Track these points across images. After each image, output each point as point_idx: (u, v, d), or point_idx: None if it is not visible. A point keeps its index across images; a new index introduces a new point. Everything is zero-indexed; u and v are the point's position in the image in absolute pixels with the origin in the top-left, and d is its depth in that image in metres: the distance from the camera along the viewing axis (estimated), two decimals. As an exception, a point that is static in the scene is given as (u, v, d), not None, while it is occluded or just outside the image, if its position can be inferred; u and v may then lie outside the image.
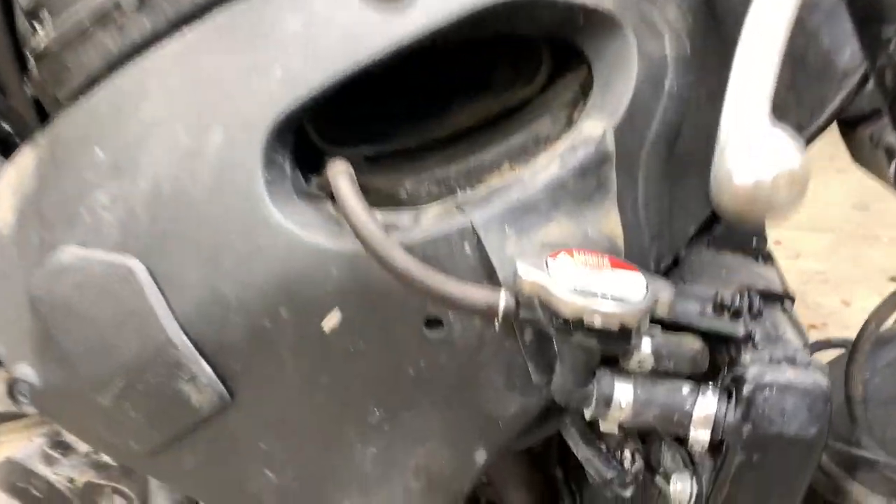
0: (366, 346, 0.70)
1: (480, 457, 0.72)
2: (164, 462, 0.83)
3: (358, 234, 0.63)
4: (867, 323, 0.94)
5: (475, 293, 0.63)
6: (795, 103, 0.78)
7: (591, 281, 0.61)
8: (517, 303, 0.63)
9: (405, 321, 0.68)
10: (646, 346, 0.64)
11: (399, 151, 0.79)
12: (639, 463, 0.72)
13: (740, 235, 0.76)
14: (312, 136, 0.75)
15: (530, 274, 0.61)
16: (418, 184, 0.73)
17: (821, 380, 0.63)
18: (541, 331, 0.68)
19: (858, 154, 0.91)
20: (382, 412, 0.73)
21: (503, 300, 0.63)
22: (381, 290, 0.68)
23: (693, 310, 0.67)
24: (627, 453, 0.73)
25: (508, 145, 0.72)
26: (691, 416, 0.64)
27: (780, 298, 0.72)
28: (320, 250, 0.68)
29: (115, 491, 1.00)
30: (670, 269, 0.74)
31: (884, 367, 1.04)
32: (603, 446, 0.72)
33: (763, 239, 0.76)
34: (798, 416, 0.62)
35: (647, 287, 0.62)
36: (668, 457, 0.73)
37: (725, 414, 0.63)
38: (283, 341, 0.72)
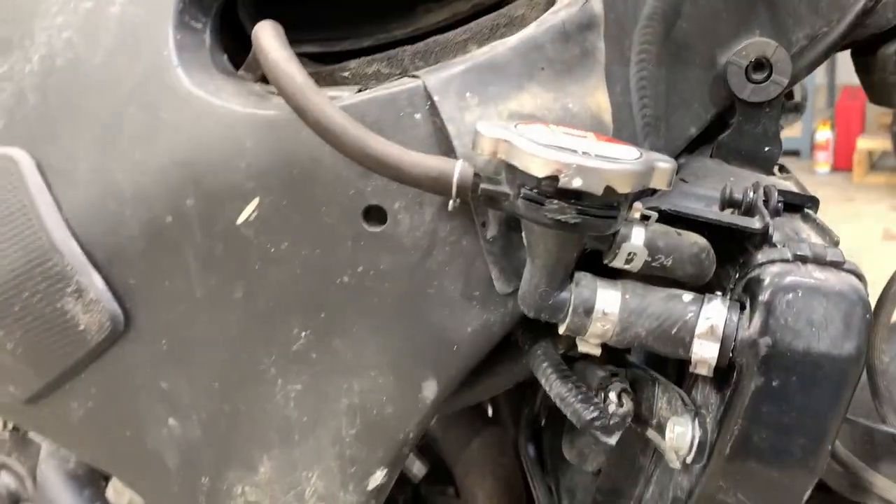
0: (289, 247, 0.56)
1: (430, 390, 0.57)
2: (48, 411, 0.68)
3: (278, 84, 0.50)
4: (890, 282, 0.81)
5: (424, 160, 0.50)
6: (809, 11, 0.67)
7: (570, 142, 0.49)
8: (476, 174, 0.50)
9: (339, 211, 0.55)
10: (637, 236, 0.51)
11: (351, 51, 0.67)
12: (627, 405, 0.58)
13: (751, 144, 0.64)
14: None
15: (493, 130, 0.48)
16: (366, 64, 0.61)
17: (857, 284, 0.50)
18: (507, 223, 0.54)
19: (880, 88, 0.79)
20: (309, 336, 0.58)
21: (458, 168, 0.50)
22: (309, 168, 0.54)
23: (697, 207, 0.55)
24: (613, 395, 0.59)
25: (477, 25, 0.60)
26: (694, 328, 0.50)
27: (800, 205, 0.59)
28: (235, 118, 0.55)
29: (3, 467, 0.84)
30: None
31: (904, 348, 0.91)
32: (582, 385, 0.57)
33: (776, 149, 0.64)
34: (830, 328, 0.49)
35: (640, 154, 0.49)
36: (662, 402, 0.59)
37: (738, 326, 0.50)
38: (188, 242, 0.58)
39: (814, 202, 0.59)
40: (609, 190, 0.46)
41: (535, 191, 0.47)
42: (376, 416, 0.58)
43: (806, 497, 0.54)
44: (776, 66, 0.60)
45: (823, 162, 4.70)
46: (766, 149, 0.63)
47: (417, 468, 0.83)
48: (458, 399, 0.65)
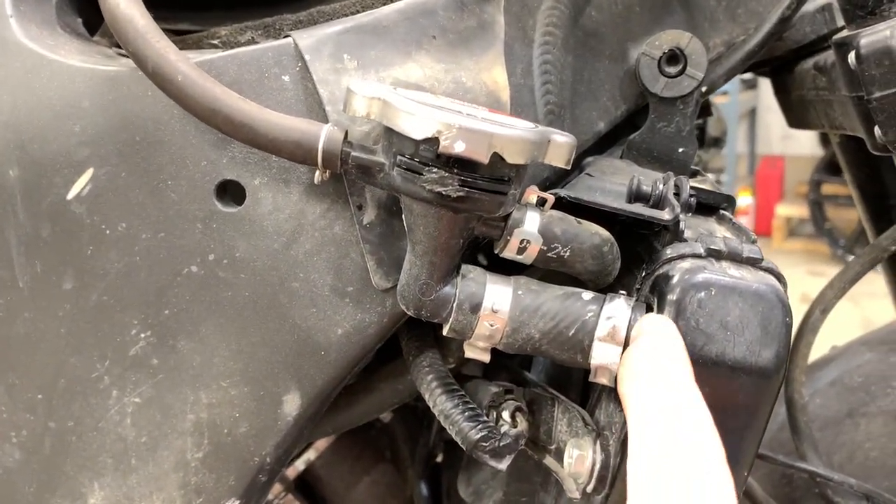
0: (128, 229, 0.48)
1: (292, 405, 0.48)
2: None
3: (114, 26, 0.42)
4: (811, 310, 0.77)
5: (284, 121, 0.42)
6: (726, 18, 0.63)
7: (455, 105, 0.42)
8: (347, 141, 0.43)
9: (188, 187, 0.47)
10: (531, 221, 0.44)
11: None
12: (521, 425, 0.50)
13: (664, 144, 0.58)
14: None
15: (367, 88, 0.41)
16: (239, 32, 0.53)
17: (776, 284, 0.44)
18: (387, 208, 0.47)
19: (798, 106, 0.76)
20: (150, 337, 0.49)
21: (325, 132, 0.42)
22: (153, 134, 0.46)
23: (601, 199, 0.48)
24: (506, 415, 0.51)
25: (368, -2, 0.54)
26: (594, 330, 0.43)
27: (715, 205, 0.53)
28: (70, 73, 0.47)
29: None
30: (571, 171, 0.55)
31: (826, 388, 0.87)
32: (471, 403, 0.50)
33: (691, 150, 0.59)
34: (747, 332, 0.43)
35: (535, 126, 0.43)
36: (562, 424, 0.51)
37: (644, 328, 0.43)
38: (9, 220, 0.49)
39: (730, 202, 0.53)
40: (496, 158, 0.39)
41: (413, 157, 0.40)
42: (227, 436, 0.49)
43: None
44: (691, 58, 0.56)
45: (744, 227, 4.82)
46: (681, 150, 0.58)
47: (296, 510, 0.73)
48: (334, 420, 0.57)
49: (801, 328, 0.78)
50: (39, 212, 0.48)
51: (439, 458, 0.78)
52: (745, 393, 0.43)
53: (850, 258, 0.77)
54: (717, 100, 4.69)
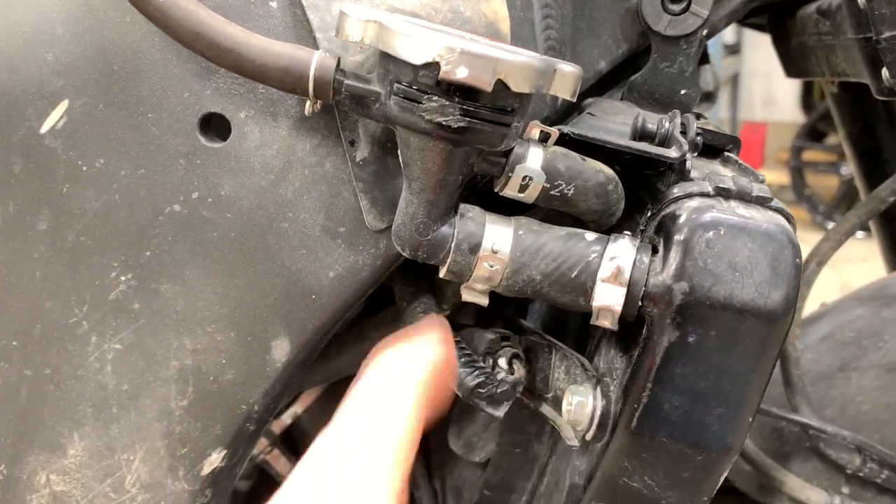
0: (106, 165, 0.45)
1: (281, 351, 0.46)
2: None
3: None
4: (807, 261, 0.76)
5: (273, 46, 0.40)
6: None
7: (457, 32, 0.39)
8: (340, 68, 0.40)
9: (170, 120, 0.44)
10: (534, 158, 0.42)
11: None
12: (519, 372, 0.49)
13: (665, 85, 0.56)
14: None
15: (361, 11, 0.39)
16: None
17: (785, 224, 0.43)
18: (381, 144, 0.45)
19: (798, 54, 0.74)
20: (131, 281, 0.47)
21: (317, 59, 0.40)
22: (132, 63, 0.43)
23: (606, 137, 0.46)
24: (503, 362, 0.50)
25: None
26: (597, 271, 0.42)
27: (720, 147, 0.52)
28: (40, -4, 0.44)
29: None
30: (570, 111, 0.53)
31: (818, 343, 0.86)
32: (468, 349, 0.48)
33: (694, 92, 0.57)
34: (756, 273, 0.41)
35: (540, 55, 0.41)
36: (560, 372, 0.50)
37: (648, 269, 0.42)
38: (-21, 156, 0.46)
39: (735, 143, 0.52)
40: (501, 86, 0.37)
41: (411, 85, 0.38)
42: (213, 384, 0.47)
43: (721, 479, 0.45)
44: (695, -5, 0.53)
45: (725, 192, 4.82)
46: (683, 91, 0.56)
47: (283, 465, 0.71)
48: (324, 368, 0.55)
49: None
50: (10, 146, 0.45)
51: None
52: (754, 336, 0.42)
53: (830, 225, 0.77)
54: (701, 64, 4.67)
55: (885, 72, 0.55)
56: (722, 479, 0.46)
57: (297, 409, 0.70)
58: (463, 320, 0.58)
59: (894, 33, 0.53)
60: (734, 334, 0.41)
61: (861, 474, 0.71)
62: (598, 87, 0.57)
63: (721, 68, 4.33)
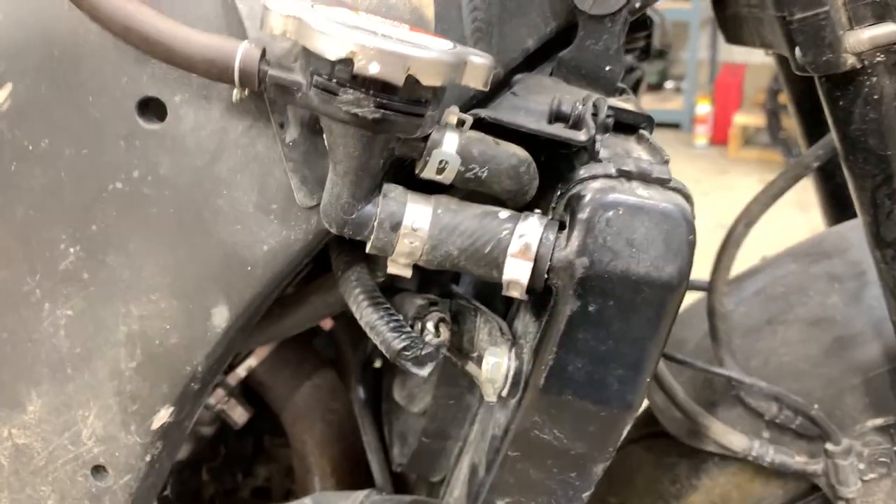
0: (51, 145, 0.48)
1: (221, 317, 0.50)
2: None
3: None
4: (736, 223, 0.80)
5: (200, 38, 0.42)
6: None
7: (373, 25, 0.42)
8: (265, 59, 0.43)
9: (109, 103, 0.47)
10: (449, 142, 0.45)
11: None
12: (444, 335, 0.53)
13: (591, 62, 0.59)
14: None
15: (284, 6, 0.41)
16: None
17: (682, 203, 0.46)
18: (310, 126, 0.48)
19: (733, 23, 0.77)
20: (79, 252, 0.50)
21: (242, 50, 0.42)
22: (71, 49, 0.46)
23: (520, 118, 0.49)
24: (430, 325, 0.54)
25: None
26: (507, 247, 0.45)
27: (634, 125, 0.55)
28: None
29: None
30: (499, 88, 0.56)
31: (750, 297, 0.91)
32: (396, 314, 0.52)
33: (617, 68, 0.60)
34: (651, 249, 0.45)
35: (454, 46, 0.44)
36: (483, 334, 0.54)
37: (554, 245, 0.45)
38: (-72, 135, 0.48)
39: (649, 122, 0.55)
40: (411, 80, 0.40)
41: (329, 78, 0.41)
42: (159, 347, 0.51)
43: (624, 433, 0.50)
44: (618, -25, 0.56)
45: (702, 135, 4.85)
46: (608, 68, 0.59)
47: (239, 414, 0.76)
48: (266, 331, 0.59)
49: (725, 241, 0.82)
50: (-43, 128, 0.48)
51: (378, 365, 0.81)
52: (649, 306, 0.46)
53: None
54: (677, 5, 4.64)
55: (797, 51, 0.58)
56: (625, 432, 0.50)
57: (251, 362, 0.74)
58: (405, 286, 0.62)
59: (805, 15, 0.56)
60: (631, 304, 0.46)
61: (778, 421, 0.77)
62: (528, 63, 0.59)
63: (699, 10, 4.31)
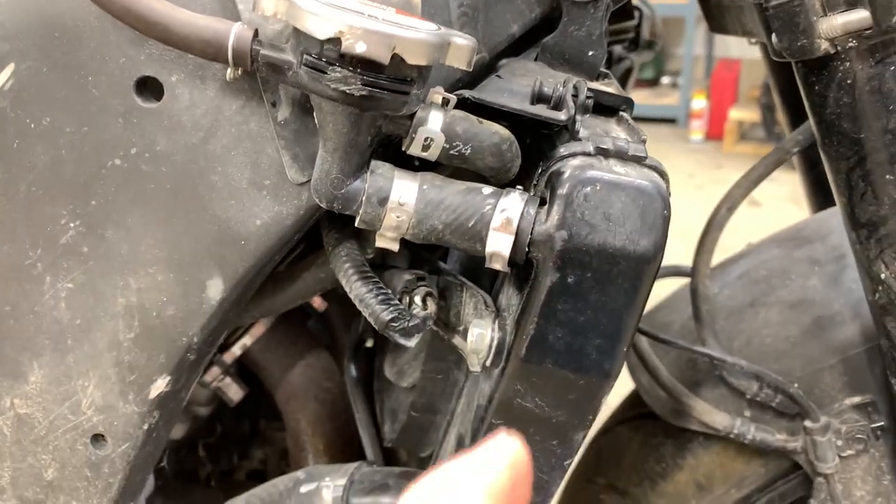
0: (52, 123, 0.50)
1: (215, 290, 0.52)
2: None
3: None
4: (718, 207, 0.83)
5: (195, 20, 0.44)
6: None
7: (361, 7, 0.44)
8: (257, 39, 0.45)
9: (108, 83, 0.49)
10: (434, 120, 0.47)
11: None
12: (430, 308, 0.55)
13: (575, 47, 0.61)
14: None
15: (273, -11, 0.43)
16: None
17: (658, 179, 0.48)
18: (301, 105, 0.50)
19: (717, 13, 0.79)
20: (79, 227, 0.52)
21: (235, 31, 0.44)
22: (72, 30, 0.48)
23: (503, 99, 0.51)
24: (417, 299, 0.56)
25: None
26: (490, 221, 0.48)
27: (615, 107, 0.57)
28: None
29: None
30: (485, 73, 0.58)
31: (734, 281, 0.93)
32: (385, 288, 0.54)
33: (600, 53, 0.62)
34: (627, 223, 0.47)
35: (438, 28, 0.46)
36: (469, 307, 0.56)
37: (535, 219, 0.47)
38: (-66, 113, 0.50)
39: (628, 104, 0.57)
40: (397, 59, 0.42)
41: (318, 57, 0.43)
42: (156, 318, 0.53)
43: (604, 401, 0.52)
44: (601, -37, 0.58)
45: (697, 130, 4.87)
46: (591, 53, 0.61)
47: (234, 392, 0.78)
48: (260, 305, 0.61)
49: (708, 225, 0.84)
50: (-38, 106, 0.50)
51: (370, 344, 0.83)
52: (625, 277, 0.48)
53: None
54: (673, 0, 4.65)
55: (774, 37, 0.60)
56: (604, 400, 0.52)
57: (246, 340, 0.76)
58: (395, 262, 0.64)
59: (781, 2, 0.58)
60: (608, 276, 0.48)
61: (759, 399, 0.79)
62: (514, 48, 0.61)
63: (695, 5, 4.31)
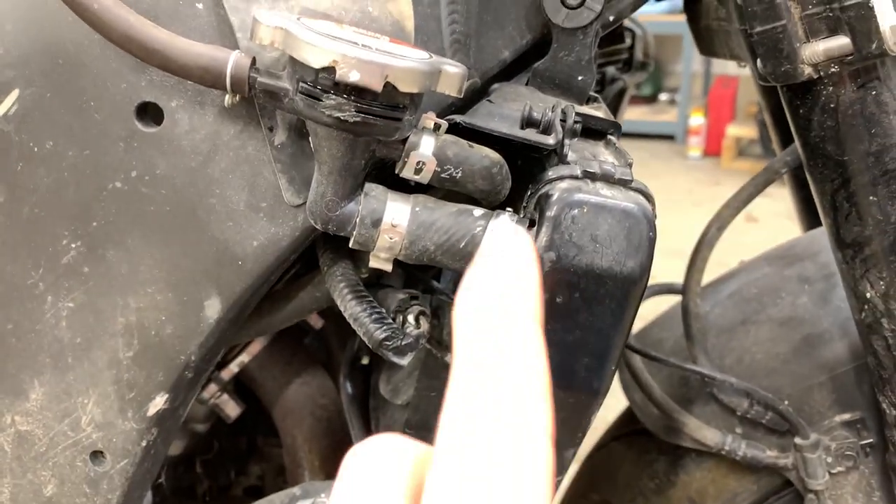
0: (55, 147, 0.51)
1: (213, 309, 0.53)
2: None
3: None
4: (709, 226, 0.84)
5: (194, 47, 0.46)
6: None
7: (355, 36, 0.46)
8: (255, 67, 0.46)
9: (110, 108, 0.50)
10: (426, 145, 0.49)
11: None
12: (423, 327, 0.56)
13: (565, 72, 0.63)
14: None
15: (272, 19, 0.45)
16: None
17: (643, 202, 0.50)
18: (297, 130, 0.51)
19: (706, 36, 0.81)
20: (80, 247, 0.53)
21: (233, 59, 0.46)
22: (74, 57, 0.49)
23: (494, 124, 0.53)
24: (410, 318, 0.57)
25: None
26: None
27: (603, 131, 0.58)
28: (-10, -4, 0.49)
29: None
30: (477, 97, 0.60)
31: (725, 299, 0.94)
32: (378, 307, 0.55)
33: (589, 78, 0.64)
34: (614, 245, 0.48)
35: (430, 56, 0.47)
36: (461, 327, 0.57)
37: (525, 241, 0.49)
38: (-60, 137, 0.52)
39: (616, 128, 0.58)
40: (389, 87, 0.44)
41: (313, 84, 0.44)
42: (155, 337, 0.54)
43: (593, 419, 0.53)
44: (589, -9, 0.59)
45: (695, 146, 4.90)
46: (580, 77, 0.62)
47: (231, 408, 0.79)
48: (257, 324, 0.62)
49: (698, 244, 0.85)
50: (-32, 131, 0.51)
51: (366, 361, 0.84)
52: (612, 298, 0.49)
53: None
54: (671, 18, 4.70)
55: (759, 62, 0.61)
56: (593, 418, 0.54)
57: (243, 358, 0.77)
58: (389, 282, 0.65)
59: (765, 28, 0.60)
60: (596, 296, 0.49)
61: (749, 416, 0.80)
62: (506, 73, 0.63)
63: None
